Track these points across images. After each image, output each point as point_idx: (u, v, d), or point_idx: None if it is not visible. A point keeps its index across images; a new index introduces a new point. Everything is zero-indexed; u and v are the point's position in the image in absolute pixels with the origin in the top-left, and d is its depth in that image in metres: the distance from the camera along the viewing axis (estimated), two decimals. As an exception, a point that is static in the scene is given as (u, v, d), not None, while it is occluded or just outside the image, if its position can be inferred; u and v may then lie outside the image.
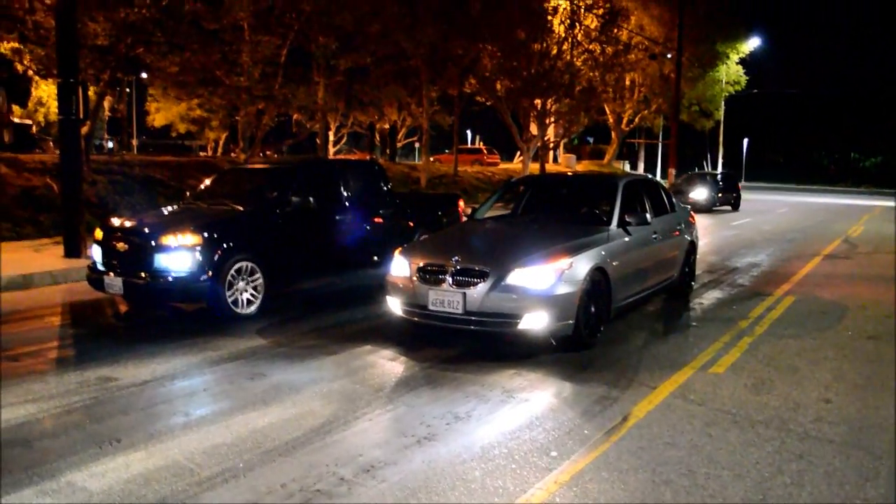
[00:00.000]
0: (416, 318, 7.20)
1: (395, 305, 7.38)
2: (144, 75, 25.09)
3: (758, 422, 5.23)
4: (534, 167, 33.05)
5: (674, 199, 9.86)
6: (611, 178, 9.61)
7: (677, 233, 9.33)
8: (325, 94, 24.25)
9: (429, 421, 5.16)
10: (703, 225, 16.12)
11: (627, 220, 7.95)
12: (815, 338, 7.71)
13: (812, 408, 5.54)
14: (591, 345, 7.03)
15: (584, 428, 5.07)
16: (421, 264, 7.11)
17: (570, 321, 6.70)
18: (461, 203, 12.05)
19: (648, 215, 8.42)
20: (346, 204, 9.88)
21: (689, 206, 10.89)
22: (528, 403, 5.59)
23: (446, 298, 6.78)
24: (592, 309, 7.00)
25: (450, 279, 6.82)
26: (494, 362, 6.60)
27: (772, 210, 29.87)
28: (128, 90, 39.87)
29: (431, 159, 34.62)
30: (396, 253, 7.62)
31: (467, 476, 4.30)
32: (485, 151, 48.33)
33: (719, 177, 29.87)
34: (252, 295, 8.37)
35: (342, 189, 9.94)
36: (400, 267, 7.34)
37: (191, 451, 4.64)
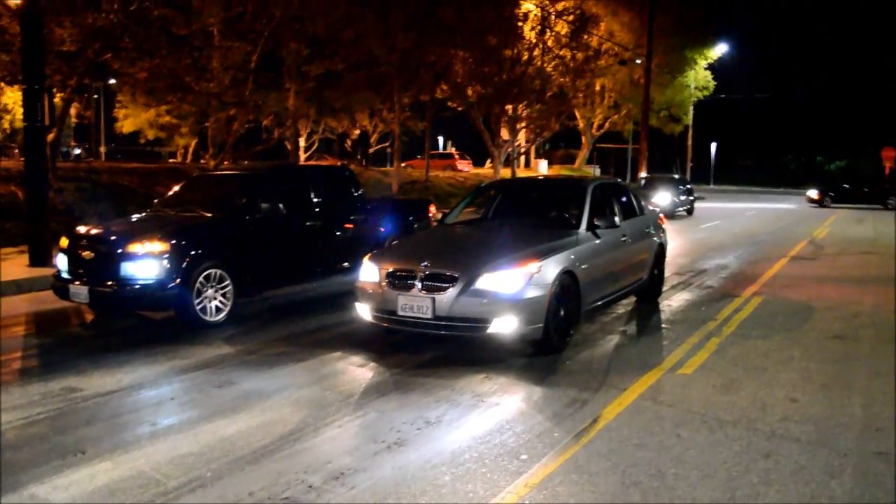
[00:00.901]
0: (385, 324, 7.17)
1: (364, 311, 7.35)
2: (113, 81, 24.84)
3: (726, 422, 5.26)
4: (505, 172, 33.16)
5: (643, 203, 9.92)
6: (579, 182, 9.63)
7: (646, 236, 9.38)
8: (297, 100, 24.14)
9: (399, 426, 5.13)
10: (672, 228, 16.24)
11: (596, 223, 7.98)
12: (783, 338, 7.79)
13: (779, 407, 5.58)
14: (560, 348, 7.03)
15: (554, 431, 5.07)
16: (390, 270, 7.07)
17: (540, 325, 6.70)
18: (432, 208, 12.04)
19: (617, 218, 8.45)
20: (317, 210, 9.82)
21: (657, 210, 10.96)
22: (498, 407, 5.57)
23: (416, 303, 6.75)
24: (562, 312, 7.00)
25: (419, 284, 6.79)
26: (464, 367, 6.59)
27: (740, 213, 30.20)
28: (96, 96, 39.40)
29: (403, 165, 34.60)
30: (366, 259, 7.58)
31: (437, 481, 4.28)
32: (456, 157, 48.38)
33: (678, 180, 29.34)
34: (221, 302, 8.28)
35: (312, 195, 9.88)
36: (369, 273, 7.30)
37: (157, 462, 4.57)
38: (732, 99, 55.28)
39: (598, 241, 7.90)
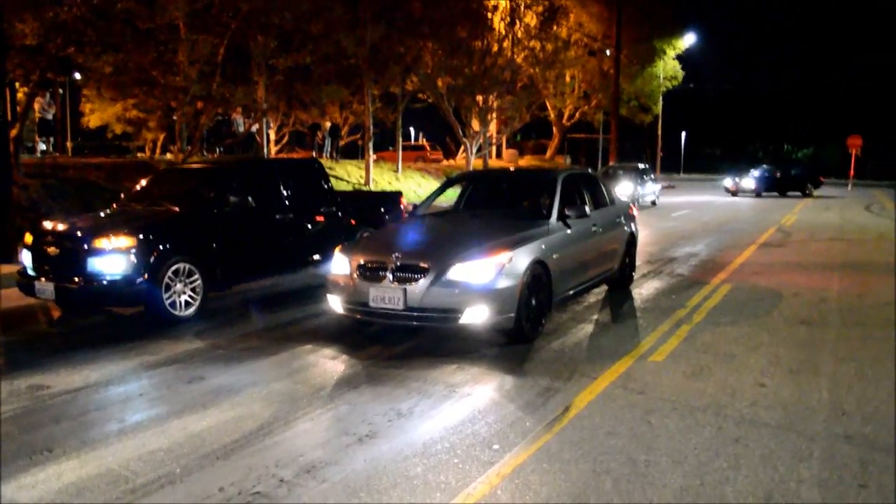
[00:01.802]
0: (357, 316, 7.14)
1: (336, 303, 7.31)
2: (78, 76, 24.40)
3: (696, 408, 5.31)
4: (477, 163, 33.16)
5: (612, 192, 9.96)
6: (550, 172, 9.64)
7: (617, 225, 9.42)
8: (266, 93, 23.90)
9: (371, 419, 5.11)
10: (642, 217, 16.34)
11: (567, 213, 8.02)
12: (751, 324, 7.88)
13: (748, 393, 5.65)
14: (532, 337, 7.05)
15: (526, 420, 5.08)
16: (361, 261, 7.06)
17: (511, 314, 6.70)
18: (403, 200, 12.00)
19: (588, 208, 8.49)
20: (287, 203, 9.74)
21: (627, 196, 11.02)
22: (470, 398, 5.57)
23: (387, 295, 6.74)
24: (533, 302, 7.02)
25: (390, 275, 6.77)
26: (436, 358, 6.59)
27: (710, 203, 30.47)
28: (61, 91, 38.72)
29: (375, 157, 34.45)
30: (337, 251, 7.56)
31: (409, 472, 4.27)
32: (428, 148, 48.27)
33: (642, 170, 28.52)
34: (190, 297, 8.20)
35: (282, 188, 9.79)
36: (340, 265, 7.28)
37: (126, 459, 4.51)
38: (701, 89, 55.76)
39: (568, 231, 7.94)
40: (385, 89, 30.91)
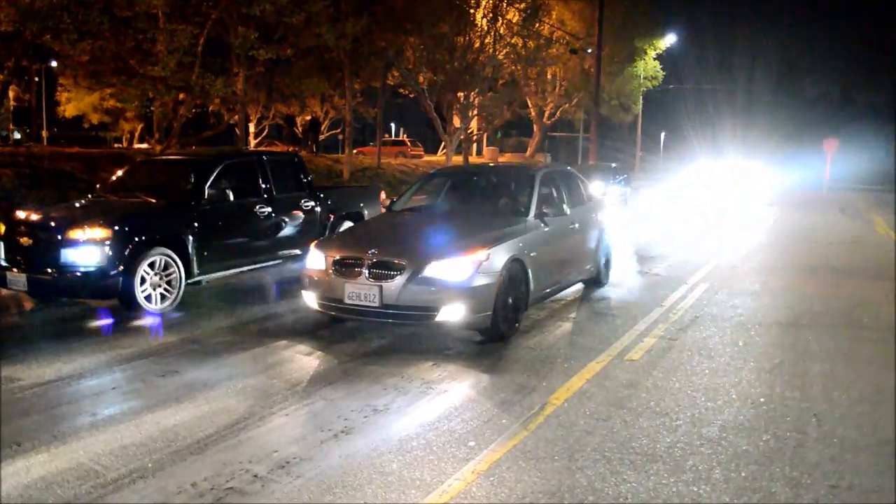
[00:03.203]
0: (332, 312, 7.12)
1: (310, 299, 7.24)
2: (54, 64, 24.10)
3: (672, 407, 5.34)
4: (458, 160, 33.15)
5: (591, 189, 9.98)
6: (528, 169, 9.62)
7: (595, 223, 9.43)
8: (245, 85, 23.71)
9: (346, 414, 5.09)
10: (620, 215, 16.37)
11: (545, 210, 8.02)
12: (728, 325, 7.94)
13: (723, 392, 5.69)
14: (508, 336, 7.04)
15: (502, 417, 5.09)
16: (337, 257, 7.00)
17: (488, 313, 6.67)
18: (383, 195, 11.96)
19: (566, 206, 8.50)
20: (265, 196, 9.67)
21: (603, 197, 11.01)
22: (446, 394, 5.57)
23: (363, 292, 6.69)
24: (510, 300, 7.00)
25: (366, 272, 6.72)
26: (413, 354, 6.58)
27: (686, 202, 30.61)
28: (37, 79, 38.22)
29: (355, 151, 34.34)
30: (312, 246, 7.50)
31: (385, 469, 4.25)
32: (408, 144, 48.25)
33: (615, 169, 27.87)
34: (166, 290, 8.12)
35: (261, 181, 9.72)
36: (316, 260, 7.20)
37: (97, 453, 4.46)
38: (681, 88, 56.06)
39: (546, 229, 7.94)
40: (366, 84, 30.83)
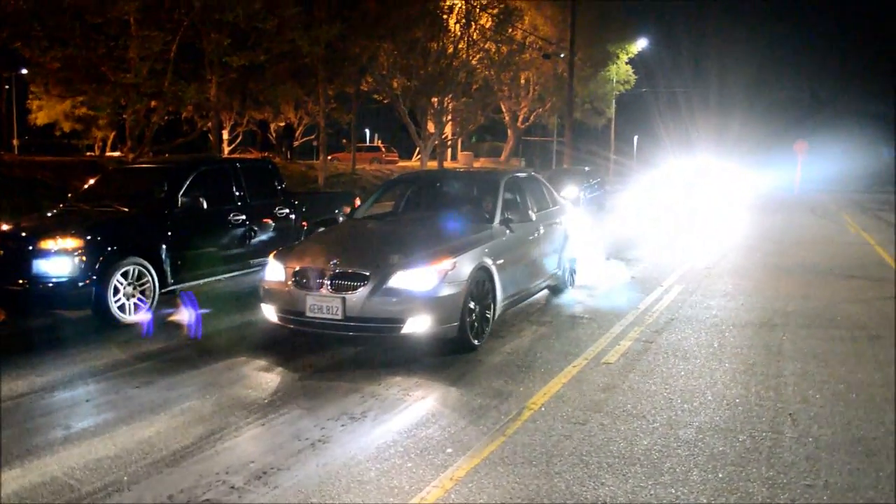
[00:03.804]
0: (292, 326, 6.84)
1: (270, 312, 6.94)
2: (25, 71, 23.76)
3: (648, 410, 5.36)
4: (432, 164, 33.17)
5: (556, 194, 9.93)
6: (492, 174, 9.50)
7: (560, 228, 9.31)
8: (219, 91, 23.54)
9: (323, 423, 5.06)
10: (593, 218, 16.47)
11: (510, 217, 7.90)
12: (703, 327, 7.99)
13: (699, 394, 5.72)
14: (476, 347, 6.85)
15: (479, 423, 5.08)
16: (297, 268, 6.74)
17: (455, 323, 6.51)
18: (357, 201, 11.92)
19: (531, 212, 8.39)
20: (239, 204, 9.60)
21: (571, 201, 10.96)
22: (423, 402, 5.56)
23: (325, 304, 6.44)
24: (477, 309, 6.84)
25: (328, 283, 6.49)
26: (389, 363, 6.53)
27: (658, 206, 30.84)
28: (7, 87, 37.69)
29: (329, 158, 34.24)
30: (270, 257, 7.24)
31: (362, 477, 4.23)
32: (383, 149, 48.22)
33: (588, 173, 27.17)
34: (140, 300, 8.02)
35: (234, 189, 9.65)
36: (275, 272, 6.93)
37: (71, 467, 4.39)
38: (653, 92, 56.53)
39: (512, 235, 7.81)
40: (340, 89, 30.73)
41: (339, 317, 6.41)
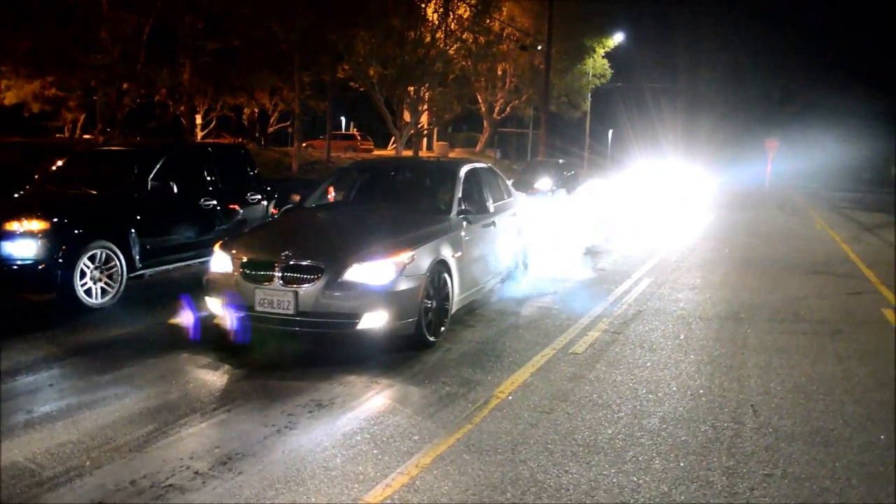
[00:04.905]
0: (238, 321, 6.37)
1: (216, 307, 6.55)
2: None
3: (614, 400, 5.41)
4: (408, 154, 33.10)
5: (510, 186, 9.82)
6: (449, 164, 9.25)
7: (515, 220, 9.21)
8: (192, 76, 23.30)
9: (290, 409, 5.05)
10: (560, 213, 16.53)
11: (467, 208, 7.72)
12: (670, 319, 8.07)
13: (664, 385, 5.79)
14: (432, 344, 6.63)
15: (447, 411, 5.10)
16: (245, 260, 6.38)
17: (413, 319, 6.30)
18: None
19: (489, 203, 8.30)
20: (211, 189, 9.52)
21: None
22: (392, 389, 5.57)
23: (275, 298, 6.11)
24: (434, 305, 6.66)
25: (279, 276, 6.17)
26: (357, 351, 6.46)
27: (631, 199, 31.05)
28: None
29: (304, 145, 34.02)
30: (217, 247, 6.79)
31: (328, 464, 4.23)
32: (358, 138, 48.02)
33: (562, 165, 27.38)
34: (107, 284, 7.93)
35: (206, 174, 9.56)
36: (221, 263, 6.55)
37: (32, 452, 4.34)
38: (628, 86, 56.79)
39: (470, 228, 7.63)
40: (316, 77, 30.55)
41: (291, 311, 6.09)
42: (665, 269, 11.44)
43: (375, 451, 4.41)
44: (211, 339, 6.72)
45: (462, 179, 8.01)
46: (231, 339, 6.33)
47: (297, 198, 8.44)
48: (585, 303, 8.72)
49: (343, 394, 5.40)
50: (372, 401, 5.31)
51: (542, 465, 4.27)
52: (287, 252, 6.28)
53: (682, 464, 4.36)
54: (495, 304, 8.48)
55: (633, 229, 17.18)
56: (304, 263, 6.19)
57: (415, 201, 8.13)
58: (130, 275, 8.27)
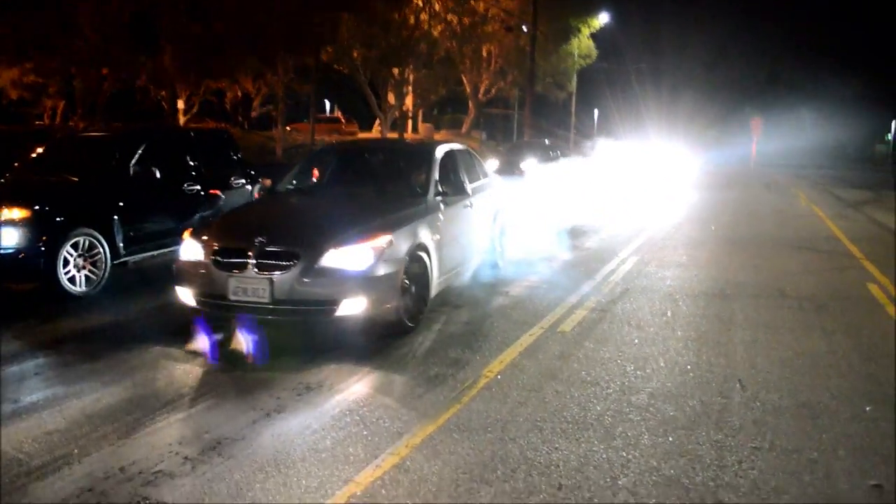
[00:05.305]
0: (211, 311, 6.27)
1: (187, 296, 6.31)
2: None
3: (602, 377, 5.43)
4: (393, 136, 32.97)
5: (486, 166, 9.71)
6: (426, 146, 9.14)
7: (492, 202, 9.11)
8: (174, 60, 23.06)
9: (279, 393, 5.03)
10: (547, 192, 16.50)
11: (444, 190, 7.62)
12: (657, 296, 8.10)
13: (651, 362, 5.81)
14: (413, 329, 6.52)
15: (436, 391, 5.10)
16: (217, 247, 6.17)
17: (392, 304, 6.15)
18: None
19: (467, 185, 8.22)
20: (194, 174, 9.44)
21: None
22: (379, 371, 5.57)
23: (250, 286, 5.91)
24: (414, 290, 6.53)
25: (253, 264, 5.96)
26: (345, 333, 6.34)
27: (619, 178, 31.06)
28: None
29: (288, 128, 33.82)
30: (186, 234, 6.57)
31: (318, 446, 4.23)
32: (343, 121, 47.74)
33: (548, 146, 27.10)
34: (91, 271, 7.86)
35: (189, 159, 9.48)
36: (192, 250, 6.31)
37: (19, 441, 4.31)
38: (614, 67, 56.69)
39: (447, 210, 7.50)
40: (300, 60, 30.29)
41: (267, 300, 5.90)
42: (651, 247, 11.48)
43: (365, 433, 4.40)
44: (188, 329, 6.66)
45: (439, 161, 7.89)
46: (207, 329, 6.24)
47: (268, 182, 8.23)
48: (572, 282, 8.74)
49: (330, 377, 5.39)
50: (360, 383, 5.30)
51: (532, 443, 4.29)
52: (261, 238, 6.07)
53: (670, 438, 4.38)
54: (482, 285, 8.47)
55: (618, 209, 17.21)
56: (278, 250, 6.01)
57: (391, 184, 7.99)
58: (114, 262, 8.21)
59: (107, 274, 8.04)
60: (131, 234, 8.42)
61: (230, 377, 5.39)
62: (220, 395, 5.05)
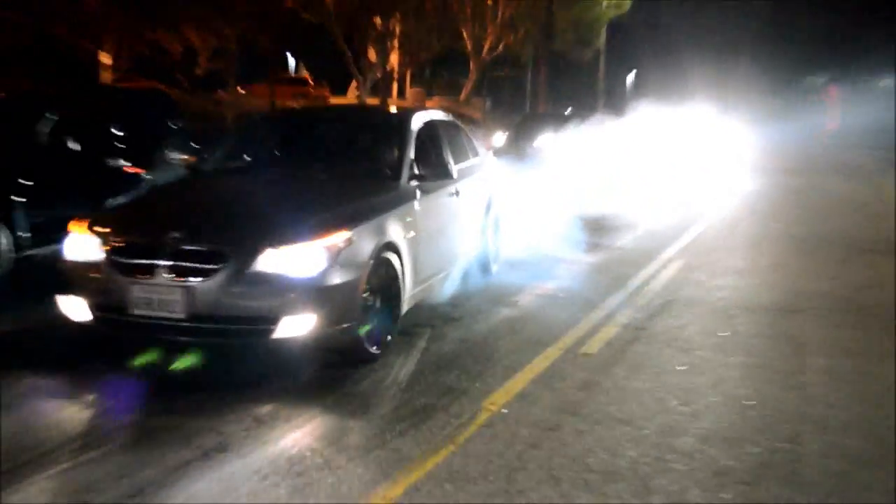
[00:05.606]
0: (107, 327, 5.96)
1: (77, 309, 5.92)
2: None
3: (634, 413, 5.36)
4: (374, 102, 32.95)
5: (476, 143, 9.55)
6: (397, 114, 8.95)
7: (483, 188, 8.97)
8: (100, 4, 23.03)
9: (220, 427, 4.94)
10: (568, 173, 16.44)
11: (422, 173, 7.35)
12: (707, 310, 8.07)
13: (701, 395, 5.73)
14: (375, 356, 6.19)
15: (422, 428, 5.02)
16: (118, 244, 5.80)
17: (350, 324, 5.82)
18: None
19: (451, 166, 7.97)
20: (119, 146, 9.44)
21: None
22: (353, 399, 5.51)
23: (159, 297, 5.54)
24: (379, 304, 6.23)
25: (166, 266, 5.58)
26: (290, 360, 6.20)
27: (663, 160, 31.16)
28: None
29: (241, 90, 33.80)
30: (72, 225, 6.15)
31: (270, 495, 4.13)
32: (311, 83, 47.80)
33: (569, 117, 25.94)
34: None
35: (113, 128, 9.48)
36: (83, 247, 5.92)
37: None
38: (653, 19, 56.91)
39: (425, 199, 7.24)
40: (259, 6, 30.27)
41: (182, 315, 5.54)
42: (700, 248, 11.47)
43: (331, 480, 4.31)
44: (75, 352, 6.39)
45: (415, 134, 7.65)
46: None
47: (192, 159, 8.04)
48: (599, 291, 8.71)
49: (285, 407, 5.31)
50: (325, 415, 5.24)
51: (547, 497, 4.20)
52: (177, 233, 5.70)
53: (724, 496, 4.30)
54: (484, 293, 8.42)
55: (657, 198, 17.16)
56: (199, 248, 5.64)
57: (352, 164, 7.79)
58: (17, 255, 8.15)
59: (8, 270, 8.04)
60: (39, 218, 8.37)
61: (156, 403, 5.30)
62: (145, 429, 4.96)
